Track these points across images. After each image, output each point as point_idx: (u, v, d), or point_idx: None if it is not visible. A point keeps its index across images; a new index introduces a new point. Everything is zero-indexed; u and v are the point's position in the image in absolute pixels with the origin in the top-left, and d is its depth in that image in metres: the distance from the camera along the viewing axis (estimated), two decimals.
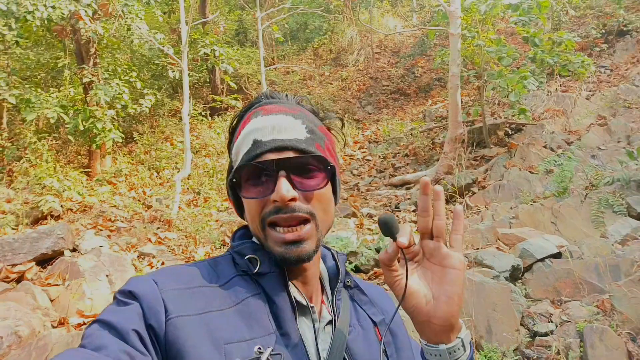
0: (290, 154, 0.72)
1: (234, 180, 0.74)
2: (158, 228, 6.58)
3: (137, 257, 5.25)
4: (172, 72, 9.34)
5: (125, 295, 0.64)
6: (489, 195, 6.00)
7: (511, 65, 7.68)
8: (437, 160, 8.19)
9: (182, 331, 0.61)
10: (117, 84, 8.71)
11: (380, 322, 0.81)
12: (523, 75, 7.05)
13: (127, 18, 8.10)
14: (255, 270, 0.72)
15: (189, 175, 8.30)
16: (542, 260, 3.72)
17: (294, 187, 0.70)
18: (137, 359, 0.56)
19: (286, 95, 0.81)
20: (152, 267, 5.07)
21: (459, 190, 6.48)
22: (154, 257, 5.34)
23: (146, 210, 7.33)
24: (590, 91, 9.58)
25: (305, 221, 0.71)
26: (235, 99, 11.15)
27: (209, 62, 11.17)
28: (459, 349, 0.69)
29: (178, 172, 8.55)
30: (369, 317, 0.81)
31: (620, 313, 2.90)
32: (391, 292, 0.74)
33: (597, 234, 4.45)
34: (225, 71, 10.19)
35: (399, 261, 0.70)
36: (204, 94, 13.17)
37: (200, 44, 9.70)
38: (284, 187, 0.68)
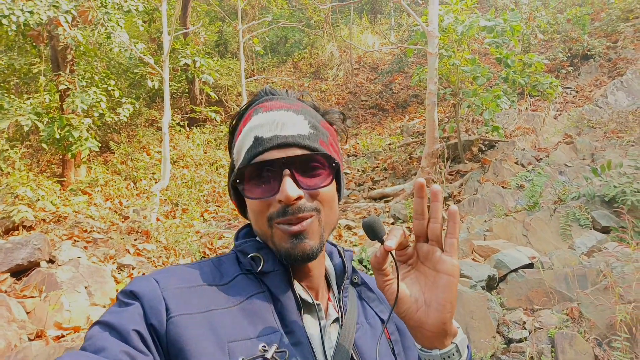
0: (294, 151, 0.70)
1: (237, 180, 0.72)
2: (136, 239, 6.49)
3: (117, 268, 5.18)
4: (152, 81, 9.31)
5: (127, 296, 0.63)
6: (464, 209, 6.22)
7: (485, 84, 8.02)
8: (415, 174, 8.41)
9: (183, 329, 0.60)
10: (95, 92, 8.61)
11: (388, 319, 0.77)
12: (496, 94, 7.38)
13: (107, 26, 8.06)
14: (259, 269, 0.71)
15: (167, 186, 8.23)
16: (515, 270, 3.90)
17: (299, 186, 0.68)
18: (138, 359, 0.56)
19: (286, 91, 0.80)
20: (132, 278, 5.02)
21: None
22: (133, 268, 5.27)
23: (123, 222, 7.22)
24: (557, 111, 10.07)
25: (310, 217, 0.69)
26: (215, 111, 11.19)
27: (189, 72, 11.19)
28: (453, 354, 0.67)
29: (155, 182, 8.47)
30: (377, 315, 0.80)
31: (587, 320, 3.09)
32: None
33: (566, 245, 4.69)
34: (205, 82, 10.22)
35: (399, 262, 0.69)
36: (183, 105, 13.13)
37: (181, 54, 9.72)
38: (289, 187, 0.67)
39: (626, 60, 10.97)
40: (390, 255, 0.65)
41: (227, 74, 12.91)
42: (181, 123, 11.63)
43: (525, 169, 7.25)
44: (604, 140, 7.76)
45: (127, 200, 8.27)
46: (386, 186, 8.70)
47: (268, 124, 0.71)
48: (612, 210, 5.08)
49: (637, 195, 4.86)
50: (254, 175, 0.71)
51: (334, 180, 0.75)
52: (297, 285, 0.73)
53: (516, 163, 7.55)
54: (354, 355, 0.70)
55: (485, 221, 5.46)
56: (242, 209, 0.79)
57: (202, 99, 12.73)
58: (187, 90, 12.92)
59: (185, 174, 9.45)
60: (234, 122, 0.79)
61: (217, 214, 7.95)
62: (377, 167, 9.78)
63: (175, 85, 12.27)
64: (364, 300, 0.82)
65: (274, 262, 0.71)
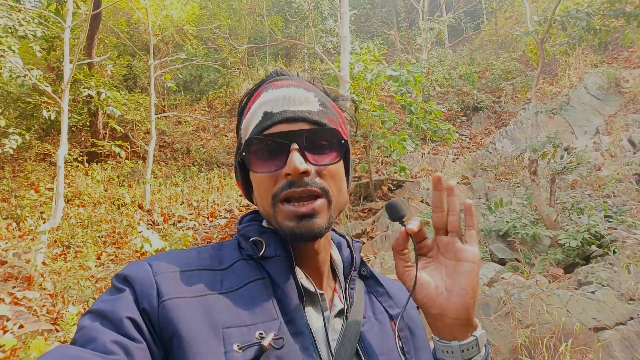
0: (303, 126, 0.68)
1: (244, 154, 0.69)
2: (14, 287, 5.66)
3: None
4: (48, 112, 8.53)
5: (120, 280, 0.61)
6: (377, 245, 6.40)
7: (392, 128, 8.58)
8: None
9: (176, 313, 0.57)
10: None
11: (397, 314, 0.76)
12: (403, 138, 7.91)
13: None
14: (261, 254, 0.68)
15: (58, 226, 7.39)
16: None
17: (307, 161, 0.66)
18: (130, 347, 0.53)
19: (297, 73, 0.78)
20: (5, 331, 4.30)
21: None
22: (8, 319, 4.54)
23: (0, 266, 6.28)
24: (455, 155, 11.05)
25: (318, 197, 0.66)
26: (120, 146, 10.51)
27: (92, 104, 10.46)
28: (472, 347, 0.65)
29: (44, 222, 7.57)
30: (385, 310, 0.76)
31: (492, 345, 3.25)
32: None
33: None
34: (111, 115, 9.61)
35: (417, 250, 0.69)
36: (83, 139, 12.14)
37: (84, 85, 9.09)
38: (297, 159, 0.64)
39: (508, 113, 12.52)
40: (410, 238, 0.67)
41: (136, 108, 12.29)
42: (79, 158, 10.70)
43: (429, 207, 7.74)
44: (495, 181, 8.61)
45: (7, 242, 7.25)
46: None
47: (278, 99, 0.70)
48: (506, 243, 5.57)
49: (526, 229, 5.40)
50: (260, 149, 0.68)
51: (343, 160, 0.72)
52: (299, 272, 0.70)
53: (422, 201, 8.04)
54: (359, 349, 0.67)
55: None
56: (248, 190, 0.76)
57: (105, 133, 11.91)
58: (88, 124, 12.01)
59: (82, 212, 8.59)
60: (244, 101, 0.77)
61: (116, 256, 7.27)
62: None
63: (75, 118, 11.36)
64: (372, 294, 0.78)
65: (277, 247, 0.68)
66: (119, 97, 9.82)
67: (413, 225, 0.67)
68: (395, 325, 0.73)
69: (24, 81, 7.87)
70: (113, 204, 9.34)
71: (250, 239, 0.70)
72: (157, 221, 8.90)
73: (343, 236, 0.81)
